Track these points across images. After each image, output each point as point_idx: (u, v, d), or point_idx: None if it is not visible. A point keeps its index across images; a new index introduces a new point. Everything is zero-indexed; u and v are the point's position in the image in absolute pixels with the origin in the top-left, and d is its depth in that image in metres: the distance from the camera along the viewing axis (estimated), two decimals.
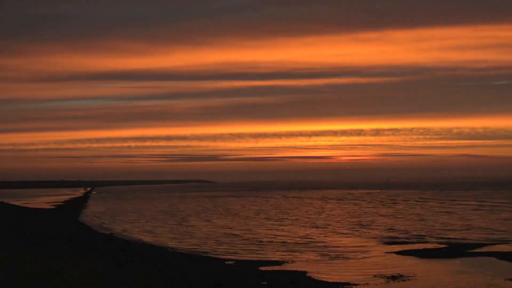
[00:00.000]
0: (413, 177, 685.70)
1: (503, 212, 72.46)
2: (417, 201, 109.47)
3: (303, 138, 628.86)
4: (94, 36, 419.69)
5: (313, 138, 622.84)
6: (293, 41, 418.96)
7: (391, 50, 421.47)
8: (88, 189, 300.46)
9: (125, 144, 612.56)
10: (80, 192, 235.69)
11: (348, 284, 26.25)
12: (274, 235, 50.13)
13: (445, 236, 46.18)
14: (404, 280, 27.05)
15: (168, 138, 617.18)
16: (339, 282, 26.63)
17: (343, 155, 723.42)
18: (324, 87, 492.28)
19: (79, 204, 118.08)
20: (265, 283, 25.96)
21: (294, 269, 30.71)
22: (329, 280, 27.18)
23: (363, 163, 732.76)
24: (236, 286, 24.94)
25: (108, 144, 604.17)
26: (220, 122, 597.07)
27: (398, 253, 36.91)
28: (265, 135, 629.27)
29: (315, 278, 27.83)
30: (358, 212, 78.89)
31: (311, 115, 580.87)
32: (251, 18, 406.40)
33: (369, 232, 50.76)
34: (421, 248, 39.26)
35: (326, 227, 56.48)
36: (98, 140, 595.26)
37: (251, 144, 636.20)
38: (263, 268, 30.72)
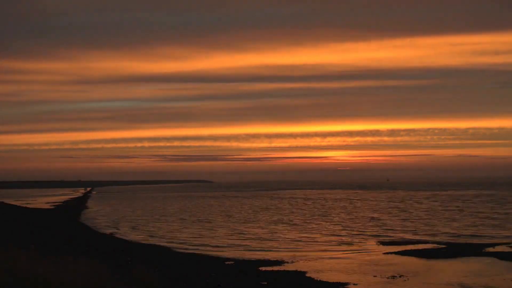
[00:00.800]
0: (423, 177, 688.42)
1: None
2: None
3: (318, 139, 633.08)
4: (136, 42, 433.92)
5: (328, 139, 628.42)
6: (327, 47, 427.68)
7: (422, 55, 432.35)
8: (88, 189, 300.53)
9: (139, 145, 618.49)
10: (80, 192, 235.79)
11: (348, 284, 26.26)
12: (275, 234, 50.18)
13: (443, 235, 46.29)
14: (404, 280, 27.06)
15: (184, 138, 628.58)
16: (339, 282, 26.64)
17: (355, 156, 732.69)
18: (350, 89, 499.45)
19: (79, 204, 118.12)
20: (265, 283, 25.98)
21: (294, 269, 30.71)
22: (329, 280, 27.19)
23: (374, 163, 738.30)
24: (236, 286, 24.97)
25: (122, 145, 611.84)
26: (239, 123, 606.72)
27: (398, 253, 36.92)
28: (280, 136, 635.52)
29: (315, 278, 27.84)
30: (363, 212, 78.96)
31: (331, 116, 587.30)
32: (287, 27, 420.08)
33: (370, 232, 50.81)
34: (421, 248, 39.27)
35: (328, 227, 56.53)
36: (114, 140, 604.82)
37: (264, 144, 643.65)
38: (263, 268, 30.72)
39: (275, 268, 31.07)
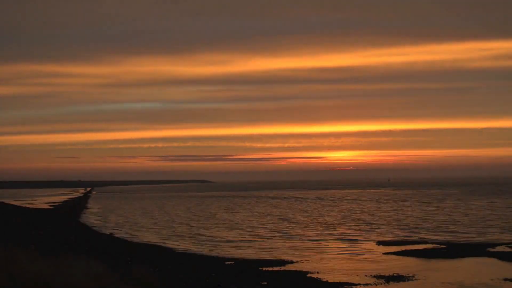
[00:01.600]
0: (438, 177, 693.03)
1: None
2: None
3: (333, 139, 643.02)
4: (176, 48, 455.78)
5: (342, 139, 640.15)
6: (362, 51, 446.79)
7: (453, 58, 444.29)
8: (88, 189, 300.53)
9: (153, 145, 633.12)
10: (80, 192, 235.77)
11: (348, 284, 26.25)
12: (277, 234, 50.18)
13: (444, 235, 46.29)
14: (404, 280, 27.04)
15: (197, 138, 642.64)
16: (339, 282, 26.63)
17: (367, 156, 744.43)
18: (380, 90, 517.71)
19: (79, 204, 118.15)
20: (265, 283, 25.98)
21: (294, 269, 30.70)
22: (329, 280, 27.18)
23: (384, 163, 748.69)
24: (236, 286, 24.97)
25: (136, 145, 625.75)
26: (259, 124, 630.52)
27: (398, 253, 36.90)
28: (295, 136, 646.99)
29: (315, 278, 27.83)
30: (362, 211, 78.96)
31: (354, 117, 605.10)
32: (325, 33, 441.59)
33: (370, 232, 50.81)
34: (421, 248, 39.25)
35: (328, 227, 56.52)
36: (132, 140, 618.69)
37: (278, 144, 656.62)
38: (263, 268, 30.72)
39: (275, 268, 31.06)
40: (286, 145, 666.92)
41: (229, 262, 33.41)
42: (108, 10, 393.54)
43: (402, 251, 37.72)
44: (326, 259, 34.86)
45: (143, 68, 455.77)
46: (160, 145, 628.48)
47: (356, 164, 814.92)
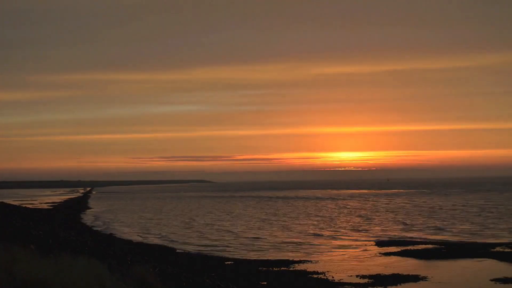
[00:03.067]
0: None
1: None
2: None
3: (339, 139, 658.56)
4: (235, 59, 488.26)
5: (353, 139, 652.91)
6: (406, 59, 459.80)
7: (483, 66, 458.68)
8: (88, 189, 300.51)
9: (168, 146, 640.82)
10: (80, 192, 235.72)
11: (348, 284, 26.27)
12: (276, 235, 50.17)
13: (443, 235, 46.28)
14: (404, 281, 27.04)
15: (197, 138, 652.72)
16: (339, 282, 26.65)
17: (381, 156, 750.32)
18: (407, 94, 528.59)
19: (79, 204, 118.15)
20: (265, 283, 25.99)
21: (294, 269, 30.71)
22: (329, 280, 27.19)
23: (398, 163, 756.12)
24: (236, 286, 24.97)
25: (150, 146, 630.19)
26: (271, 125, 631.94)
27: (397, 253, 36.90)
28: (309, 136, 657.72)
29: (315, 278, 27.84)
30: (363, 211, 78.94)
31: (378, 120, 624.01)
32: (367, 47, 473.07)
33: (370, 232, 50.80)
34: (421, 248, 39.24)
35: (329, 227, 56.52)
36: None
37: (292, 144, 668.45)
38: (263, 268, 30.73)
39: (275, 268, 31.08)
40: (298, 145, 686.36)
41: (229, 262, 33.42)
42: (173, 25, 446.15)
43: (402, 251, 37.72)
44: (326, 259, 34.87)
45: (202, 75, 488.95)
46: (169, 146, 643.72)
47: (358, 165, 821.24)
